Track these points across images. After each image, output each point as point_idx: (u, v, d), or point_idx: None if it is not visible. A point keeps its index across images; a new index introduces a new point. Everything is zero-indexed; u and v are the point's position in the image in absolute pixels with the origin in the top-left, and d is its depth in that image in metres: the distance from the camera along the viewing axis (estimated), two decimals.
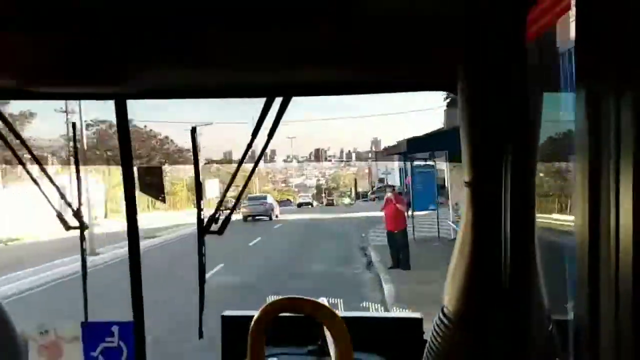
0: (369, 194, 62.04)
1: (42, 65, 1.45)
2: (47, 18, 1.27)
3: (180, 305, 8.02)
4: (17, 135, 2.05)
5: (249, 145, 1.77)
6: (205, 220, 1.81)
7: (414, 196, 16.82)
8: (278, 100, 1.69)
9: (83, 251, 2.07)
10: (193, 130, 2.32)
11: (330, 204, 56.70)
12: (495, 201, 1.28)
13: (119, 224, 10.29)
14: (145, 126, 41.35)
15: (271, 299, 1.42)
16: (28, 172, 2.09)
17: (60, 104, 25.87)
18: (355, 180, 78.36)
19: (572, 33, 0.80)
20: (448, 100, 22.46)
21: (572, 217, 0.78)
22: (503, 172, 1.27)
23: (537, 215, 1.31)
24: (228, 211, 1.89)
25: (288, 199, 59.68)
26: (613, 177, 0.69)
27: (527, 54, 1.18)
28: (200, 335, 1.90)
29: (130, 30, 1.35)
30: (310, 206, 51.82)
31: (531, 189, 1.26)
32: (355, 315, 2.37)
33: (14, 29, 1.34)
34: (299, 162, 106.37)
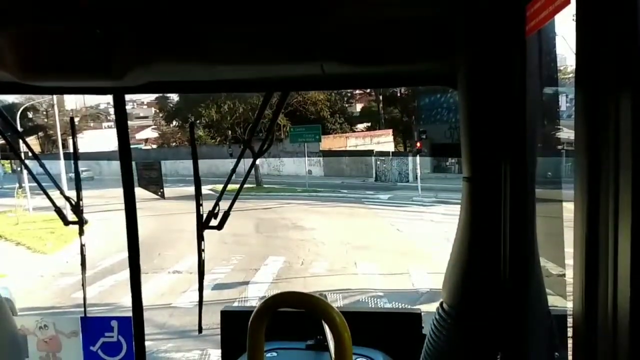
0: None
1: (41, 59, 1.45)
2: (45, 12, 1.27)
3: None
4: (15, 130, 2.04)
5: (248, 140, 1.77)
6: (205, 215, 1.80)
7: None
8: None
9: (82, 247, 2.06)
10: (192, 125, 2.32)
11: None
12: (494, 197, 1.28)
13: None
14: None
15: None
16: (27, 167, 2.08)
17: None
18: None
19: (572, 30, 0.80)
20: None
21: None
22: (502, 168, 1.27)
23: None
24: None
25: None
26: (612, 176, 0.69)
27: (526, 50, 1.18)
28: (200, 330, 1.90)
29: (129, 24, 1.35)
30: None
31: (531, 185, 1.26)
32: (355, 310, 2.38)
33: (13, 23, 1.33)
34: None
